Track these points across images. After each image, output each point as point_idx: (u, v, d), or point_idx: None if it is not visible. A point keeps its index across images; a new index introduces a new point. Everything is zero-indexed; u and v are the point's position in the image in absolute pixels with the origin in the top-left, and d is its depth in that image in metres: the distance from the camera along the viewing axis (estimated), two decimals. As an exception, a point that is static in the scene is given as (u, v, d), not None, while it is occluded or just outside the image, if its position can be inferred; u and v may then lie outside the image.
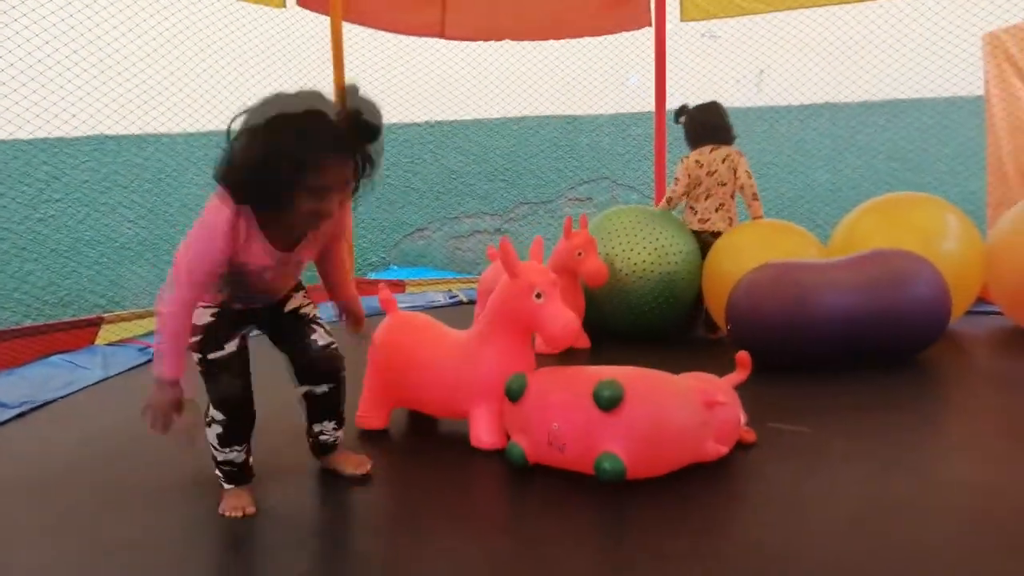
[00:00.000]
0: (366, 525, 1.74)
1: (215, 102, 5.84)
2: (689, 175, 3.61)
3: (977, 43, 5.83)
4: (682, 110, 3.86)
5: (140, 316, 3.95)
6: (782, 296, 2.72)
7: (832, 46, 6.47)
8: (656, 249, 3.25)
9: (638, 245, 3.26)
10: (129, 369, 3.25)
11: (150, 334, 3.73)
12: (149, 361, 3.37)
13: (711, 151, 3.62)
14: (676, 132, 6.77)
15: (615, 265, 3.25)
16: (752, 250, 3.19)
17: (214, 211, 1.56)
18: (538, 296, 1.98)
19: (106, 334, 3.68)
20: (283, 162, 1.46)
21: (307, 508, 1.82)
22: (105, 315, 3.87)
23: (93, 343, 3.60)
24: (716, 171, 3.58)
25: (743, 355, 2.05)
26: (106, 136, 5.84)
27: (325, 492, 1.91)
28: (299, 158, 1.46)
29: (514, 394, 1.95)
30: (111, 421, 2.56)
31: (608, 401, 1.76)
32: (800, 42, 6.51)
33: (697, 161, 3.63)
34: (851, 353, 2.72)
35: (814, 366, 2.72)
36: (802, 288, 2.72)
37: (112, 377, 3.13)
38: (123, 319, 3.85)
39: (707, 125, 3.68)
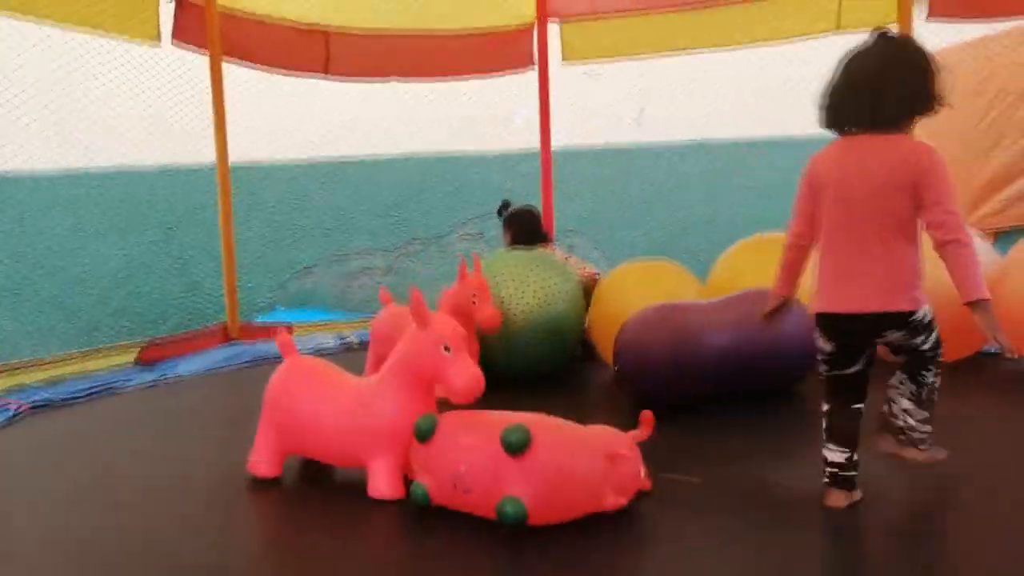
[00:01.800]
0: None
1: (84, 139, 5.55)
2: None
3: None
4: (506, 205, 4.27)
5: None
6: (667, 336, 2.81)
7: (707, 88, 6.84)
8: (543, 291, 3.31)
9: (526, 288, 3.30)
10: (-14, 433, 2.99)
11: (12, 391, 3.45)
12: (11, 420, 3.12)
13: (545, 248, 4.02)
14: (563, 171, 6.95)
15: (505, 308, 3.28)
16: (636, 290, 3.33)
17: (929, 151, 1.77)
18: (446, 349, 1.99)
19: (-40, 394, 3.38)
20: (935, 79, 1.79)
21: (193, 554, 1.73)
22: (-42, 372, 3.57)
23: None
24: None
25: (647, 414, 2.08)
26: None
27: (213, 539, 1.83)
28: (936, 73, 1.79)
29: (423, 434, 1.95)
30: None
31: (516, 446, 1.77)
32: (677, 83, 6.85)
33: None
34: (732, 389, 2.84)
35: (698, 403, 2.82)
36: (685, 329, 2.83)
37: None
38: (-20, 376, 3.56)
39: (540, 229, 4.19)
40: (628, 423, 2.07)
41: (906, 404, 1.93)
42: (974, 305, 1.71)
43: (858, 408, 1.92)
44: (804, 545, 1.74)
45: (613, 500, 1.89)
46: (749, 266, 3.45)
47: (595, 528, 1.84)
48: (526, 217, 4.23)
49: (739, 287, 3.12)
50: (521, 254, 3.51)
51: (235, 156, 4.81)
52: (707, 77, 6.72)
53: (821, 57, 5.71)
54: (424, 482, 1.93)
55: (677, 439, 2.52)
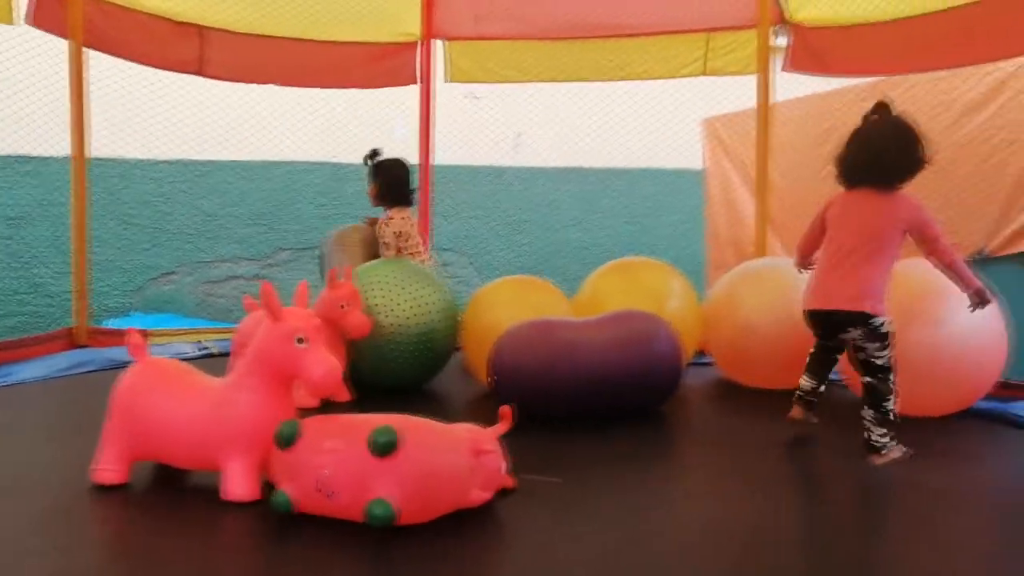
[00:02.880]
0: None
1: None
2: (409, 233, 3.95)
3: (698, 126, 6.71)
4: (375, 154, 4.10)
5: None
6: (542, 352, 2.89)
7: (581, 116, 7.12)
8: (416, 302, 3.32)
9: (399, 298, 3.31)
10: None
11: None
12: None
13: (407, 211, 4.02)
14: (440, 188, 6.97)
15: (376, 318, 3.26)
16: (507, 305, 3.42)
17: (921, 206, 2.44)
18: (300, 341, 1.96)
19: None
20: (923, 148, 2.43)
21: (28, 565, 1.61)
22: None
23: None
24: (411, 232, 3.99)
25: (506, 408, 2.14)
26: None
27: (51, 549, 1.71)
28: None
29: (285, 440, 1.90)
30: None
31: (383, 447, 1.77)
32: (553, 110, 7.09)
33: (404, 218, 3.98)
34: (602, 405, 2.94)
35: (569, 418, 2.91)
36: (560, 344, 2.91)
37: None
38: None
39: (408, 187, 4.05)
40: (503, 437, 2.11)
41: (868, 424, 2.47)
42: (973, 290, 2.50)
43: (831, 355, 2.65)
44: (659, 542, 1.84)
45: (478, 495, 1.93)
46: (615, 288, 3.61)
47: (460, 525, 1.87)
48: (396, 171, 4.02)
49: (605, 307, 3.26)
50: (397, 265, 3.51)
51: (93, 150, 4.53)
52: (582, 106, 7.00)
53: (688, 97, 6.11)
54: (286, 489, 1.89)
55: (542, 445, 2.61)
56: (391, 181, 3.99)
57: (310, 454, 1.88)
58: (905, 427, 2.50)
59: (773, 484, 2.31)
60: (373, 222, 4.20)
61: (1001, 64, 4.26)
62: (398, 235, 3.91)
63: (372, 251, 4.09)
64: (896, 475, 2.38)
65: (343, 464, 1.83)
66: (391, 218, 3.95)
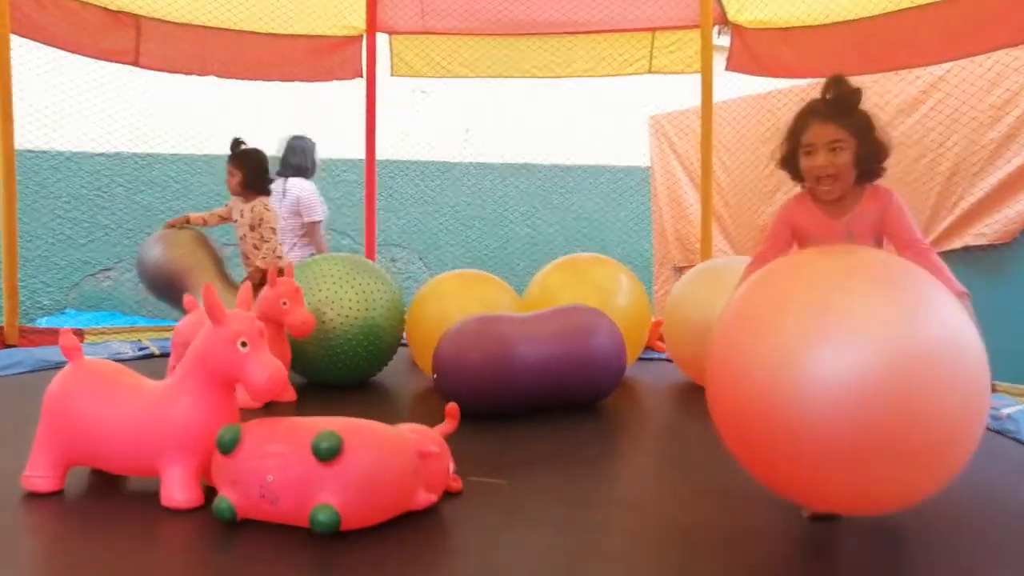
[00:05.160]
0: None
1: None
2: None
3: (644, 123, 6.80)
4: (239, 143, 4.12)
5: None
6: (485, 347, 2.89)
7: (530, 113, 7.14)
8: (361, 297, 3.29)
9: (344, 293, 3.27)
10: None
11: None
12: None
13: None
14: (389, 183, 6.90)
15: (321, 313, 3.22)
16: (454, 298, 3.43)
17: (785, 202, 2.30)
18: (243, 345, 1.91)
19: None
20: (788, 134, 2.19)
21: None
22: None
23: None
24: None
25: (452, 407, 2.14)
26: None
27: None
28: (794, 127, 2.16)
29: (226, 446, 1.85)
30: None
31: (327, 452, 1.74)
32: (503, 106, 7.09)
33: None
34: (546, 400, 2.96)
35: (514, 413, 2.92)
36: (504, 340, 2.92)
37: None
38: None
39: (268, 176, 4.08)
40: (449, 437, 2.11)
41: None
42: None
43: None
44: (604, 544, 1.86)
45: (424, 498, 1.92)
46: (563, 284, 3.63)
47: (405, 529, 1.85)
48: (261, 161, 4.03)
49: (553, 303, 3.28)
50: (340, 260, 3.47)
51: (24, 141, 4.37)
52: (532, 103, 7.02)
53: (637, 95, 6.17)
54: (229, 496, 1.85)
55: (486, 444, 2.60)
56: (257, 170, 4.00)
57: (253, 459, 1.84)
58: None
59: (717, 483, 2.35)
60: (178, 223, 4.38)
61: (931, 67, 4.42)
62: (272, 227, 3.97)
63: (210, 251, 4.26)
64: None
65: (286, 470, 1.80)
66: (268, 208, 3.97)
